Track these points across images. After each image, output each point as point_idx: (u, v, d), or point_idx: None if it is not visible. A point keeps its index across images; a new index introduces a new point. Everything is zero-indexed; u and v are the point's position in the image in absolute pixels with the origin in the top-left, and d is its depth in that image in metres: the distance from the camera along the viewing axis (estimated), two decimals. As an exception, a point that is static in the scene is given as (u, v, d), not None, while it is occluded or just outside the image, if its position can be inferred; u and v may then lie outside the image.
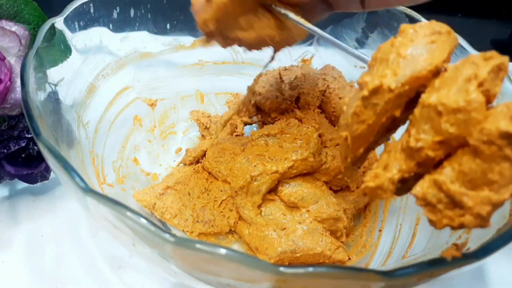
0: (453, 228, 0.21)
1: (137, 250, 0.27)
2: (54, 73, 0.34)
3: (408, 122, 0.23)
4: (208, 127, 0.46)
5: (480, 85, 0.20)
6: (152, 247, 0.25)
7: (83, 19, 0.39)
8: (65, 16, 0.36)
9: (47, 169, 0.39)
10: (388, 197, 0.22)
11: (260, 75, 0.38)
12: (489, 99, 0.20)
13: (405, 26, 0.23)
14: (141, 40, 0.45)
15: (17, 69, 0.35)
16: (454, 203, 0.20)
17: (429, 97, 0.20)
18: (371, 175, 0.23)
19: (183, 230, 0.38)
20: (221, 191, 0.39)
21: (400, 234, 0.36)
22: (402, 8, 0.42)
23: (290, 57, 0.49)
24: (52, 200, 0.41)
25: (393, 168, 0.22)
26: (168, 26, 0.46)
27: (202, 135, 0.46)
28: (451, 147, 0.20)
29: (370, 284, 0.23)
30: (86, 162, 0.35)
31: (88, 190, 0.24)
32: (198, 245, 0.21)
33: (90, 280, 0.35)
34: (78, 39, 0.38)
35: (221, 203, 0.39)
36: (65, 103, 0.35)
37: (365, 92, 0.22)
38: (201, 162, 0.42)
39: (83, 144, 0.36)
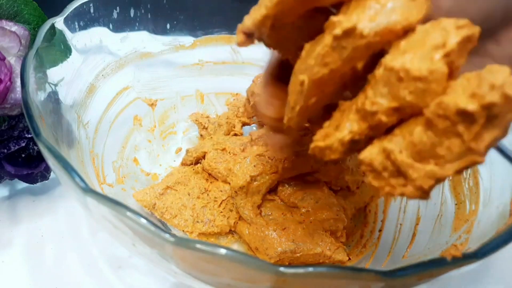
0: (394, 195, 0.21)
1: (137, 250, 0.27)
2: (54, 73, 0.34)
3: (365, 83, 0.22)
4: (206, 127, 0.46)
5: (447, 55, 0.19)
6: (152, 247, 0.25)
7: (83, 19, 0.39)
8: (65, 16, 0.36)
9: (47, 169, 0.39)
10: (336, 157, 0.22)
11: (258, 76, 0.38)
12: (452, 71, 0.20)
13: None
14: (141, 40, 0.45)
15: (17, 69, 0.35)
16: (399, 172, 0.20)
17: (392, 60, 0.20)
18: (322, 134, 0.22)
19: (183, 230, 0.38)
20: (221, 191, 0.39)
21: (400, 234, 0.36)
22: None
23: (290, 57, 0.49)
24: (52, 200, 0.41)
25: (345, 128, 0.21)
26: (168, 26, 0.46)
27: (201, 135, 0.47)
28: (406, 114, 0.20)
29: (370, 284, 0.23)
30: (86, 162, 0.35)
31: (88, 190, 0.24)
32: (198, 245, 0.21)
33: (90, 280, 0.35)
34: (78, 39, 0.38)
35: (221, 203, 0.39)
36: (65, 103, 0.35)
37: (338, 31, 0.21)
38: (201, 163, 0.42)
39: (83, 144, 0.36)
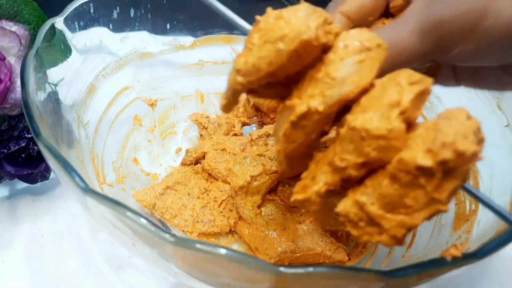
0: (372, 242, 0.22)
1: (137, 250, 0.27)
2: (54, 73, 0.34)
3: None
4: (206, 127, 0.46)
5: (402, 113, 0.20)
6: (152, 247, 0.25)
7: (83, 19, 0.39)
8: (65, 16, 0.36)
9: (47, 169, 0.39)
10: (316, 208, 0.24)
11: None
12: (410, 123, 0.21)
13: (337, 41, 0.22)
14: (141, 40, 0.45)
15: (17, 69, 0.35)
16: (373, 222, 0.21)
17: (354, 120, 0.21)
18: (300, 186, 0.24)
19: (183, 230, 0.38)
20: (221, 191, 0.39)
21: (400, 234, 0.36)
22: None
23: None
24: (52, 200, 0.41)
25: (320, 180, 0.23)
26: (168, 26, 0.46)
27: (201, 135, 0.47)
28: (374, 167, 0.21)
29: (370, 284, 0.23)
30: (86, 162, 0.35)
31: (88, 190, 0.24)
32: (198, 245, 0.21)
33: (90, 280, 0.35)
34: (78, 39, 0.38)
35: (221, 203, 0.39)
36: (65, 103, 0.35)
37: (293, 118, 0.22)
38: (200, 163, 0.42)
39: (83, 144, 0.36)
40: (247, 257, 0.21)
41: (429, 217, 0.21)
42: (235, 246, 0.38)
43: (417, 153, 0.20)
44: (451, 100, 0.40)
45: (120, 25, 0.42)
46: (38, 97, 0.30)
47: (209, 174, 0.41)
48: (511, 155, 0.32)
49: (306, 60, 0.22)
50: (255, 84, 0.23)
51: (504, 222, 0.23)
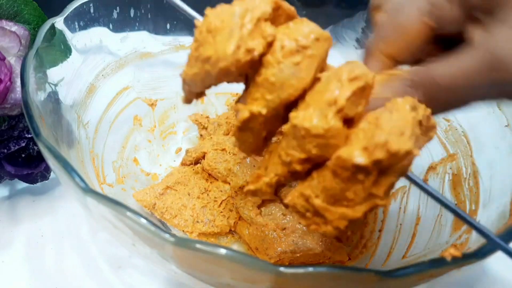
0: (319, 232, 0.23)
1: (137, 250, 0.27)
2: (54, 73, 0.34)
3: None
4: (206, 127, 0.46)
5: (339, 111, 0.21)
6: (152, 247, 0.25)
7: (83, 19, 0.39)
8: (65, 16, 0.36)
9: (47, 169, 0.39)
10: (268, 197, 0.24)
11: None
12: (351, 119, 0.22)
13: (275, 40, 0.22)
14: (141, 40, 0.45)
15: (17, 69, 0.35)
16: (318, 214, 0.22)
17: (295, 117, 0.21)
18: (254, 176, 0.24)
19: (183, 230, 0.38)
20: (221, 191, 0.39)
21: (400, 234, 0.36)
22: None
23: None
24: (52, 200, 0.41)
25: (271, 172, 0.23)
26: (168, 26, 0.46)
27: (201, 135, 0.47)
28: (318, 162, 0.22)
29: (370, 284, 0.23)
30: (86, 162, 0.35)
31: (88, 190, 0.24)
32: (198, 245, 0.21)
33: (90, 280, 0.35)
34: (78, 39, 0.38)
35: (221, 203, 0.39)
36: (65, 103, 0.35)
37: (237, 123, 0.23)
38: (200, 163, 0.42)
39: (83, 144, 0.36)
40: (247, 257, 0.21)
41: (369, 210, 0.21)
42: (235, 246, 0.38)
43: (353, 151, 0.20)
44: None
45: (120, 25, 0.42)
46: (38, 97, 0.30)
47: (209, 174, 0.41)
48: (511, 155, 0.32)
49: (241, 73, 0.22)
50: (201, 90, 0.24)
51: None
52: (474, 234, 0.30)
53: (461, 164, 0.36)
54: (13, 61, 0.35)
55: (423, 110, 0.21)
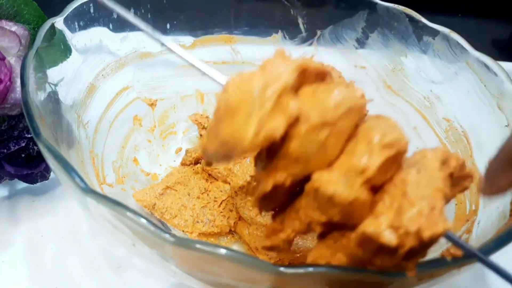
0: None
1: (137, 250, 0.27)
2: (54, 73, 0.34)
3: None
4: (206, 127, 0.46)
5: (367, 181, 0.20)
6: (152, 247, 0.25)
7: (83, 19, 0.38)
8: (65, 16, 0.36)
9: (47, 169, 0.39)
10: (284, 253, 0.24)
11: None
12: (379, 186, 0.20)
13: (292, 112, 0.20)
14: (141, 40, 0.45)
15: (17, 69, 0.35)
16: None
17: (318, 179, 0.20)
18: (269, 230, 0.24)
19: (183, 231, 0.38)
20: (221, 191, 0.39)
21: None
22: (402, 8, 0.42)
23: (290, 57, 0.49)
24: (52, 200, 0.41)
25: (288, 228, 0.22)
26: (168, 26, 0.46)
27: (201, 135, 0.46)
28: (338, 226, 0.21)
29: (370, 284, 0.23)
30: (86, 162, 0.35)
31: (88, 190, 0.24)
32: (198, 245, 0.21)
33: (90, 280, 0.35)
34: (78, 39, 0.38)
35: (221, 203, 0.39)
36: (65, 103, 0.35)
37: (259, 195, 0.22)
38: (200, 163, 0.42)
39: (83, 144, 0.36)
40: (247, 257, 0.21)
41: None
42: (235, 246, 0.38)
43: (381, 228, 0.19)
44: (451, 100, 0.40)
45: (120, 25, 0.42)
46: (38, 97, 0.30)
47: (209, 174, 0.41)
48: (511, 155, 0.32)
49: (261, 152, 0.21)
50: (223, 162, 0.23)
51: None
52: (474, 234, 0.30)
53: (461, 164, 0.36)
54: (13, 61, 0.35)
55: (455, 161, 0.20)
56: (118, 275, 0.36)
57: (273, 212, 0.25)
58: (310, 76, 0.22)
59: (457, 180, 0.21)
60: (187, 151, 0.43)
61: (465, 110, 0.38)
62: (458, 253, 0.22)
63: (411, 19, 0.42)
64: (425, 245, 0.19)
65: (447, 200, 0.21)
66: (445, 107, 0.40)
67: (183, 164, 0.43)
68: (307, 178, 0.21)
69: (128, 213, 0.22)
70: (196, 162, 0.42)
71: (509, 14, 0.77)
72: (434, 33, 0.40)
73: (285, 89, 0.20)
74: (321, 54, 0.47)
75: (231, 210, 0.38)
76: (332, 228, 0.21)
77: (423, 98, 0.42)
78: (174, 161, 0.45)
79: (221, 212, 0.38)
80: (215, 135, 0.21)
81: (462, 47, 0.38)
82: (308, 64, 0.21)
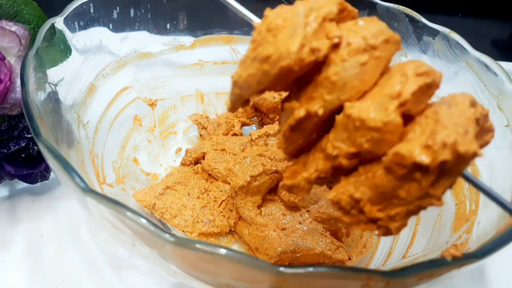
0: (363, 230, 0.21)
1: (137, 250, 0.27)
2: (54, 73, 0.34)
3: None
4: (206, 127, 0.46)
5: (402, 105, 0.19)
6: (152, 247, 0.25)
7: (83, 19, 0.39)
8: (65, 16, 0.36)
9: (47, 169, 0.39)
10: (304, 194, 0.23)
11: None
12: (410, 116, 0.20)
13: (335, 35, 0.20)
14: (141, 40, 0.45)
15: (17, 69, 0.35)
16: (364, 211, 0.21)
17: (351, 107, 0.20)
18: (290, 171, 0.23)
19: (183, 231, 0.38)
20: (221, 191, 0.39)
21: (400, 234, 0.36)
22: (402, 8, 0.42)
23: (290, 57, 0.49)
24: (52, 200, 0.41)
25: (311, 167, 0.22)
26: (168, 26, 0.46)
27: (201, 135, 0.47)
28: (367, 158, 0.20)
29: (370, 284, 0.23)
30: (86, 162, 0.35)
31: (88, 190, 0.24)
32: (198, 245, 0.21)
33: (90, 280, 0.35)
34: (78, 39, 0.38)
35: (221, 203, 0.39)
36: (65, 103, 0.35)
37: (291, 122, 0.22)
38: (200, 163, 0.42)
39: (83, 144, 0.36)
40: (247, 257, 0.21)
41: (419, 211, 0.20)
42: (235, 246, 0.38)
43: (414, 148, 0.19)
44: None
45: (120, 25, 0.42)
46: (38, 97, 0.30)
47: (209, 174, 0.41)
48: (511, 155, 0.32)
49: (300, 74, 0.21)
50: (253, 94, 0.22)
51: (508, 213, 0.22)
52: (474, 234, 0.30)
53: (461, 164, 0.36)
54: (13, 61, 0.35)
55: (481, 109, 0.20)
56: (118, 275, 0.36)
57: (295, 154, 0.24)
58: (349, 16, 0.22)
59: (481, 131, 0.21)
60: (187, 151, 0.43)
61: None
62: (458, 253, 0.22)
63: (411, 19, 0.42)
64: (458, 162, 0.18)
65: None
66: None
67: (183, 164, 0.43)
68: (339, 112, 0.21)
69: (128, 213, 0.22)
70: (196, 162, 0.42)
71: (509, 14, 0.77)
72: (434, 33, 0.40)
73: (328, 16, 0.20)
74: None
75: (231, 210, 0.38)
76: (359, 163, 0.21)
77: (423, 98, 0.42)
78: (174, 161, 0.45)
79: (221, 212, 0.38)
80: (253, 58, 0.21)
81: (462, 47, 0.38)
82: (347, 4, 0.22)
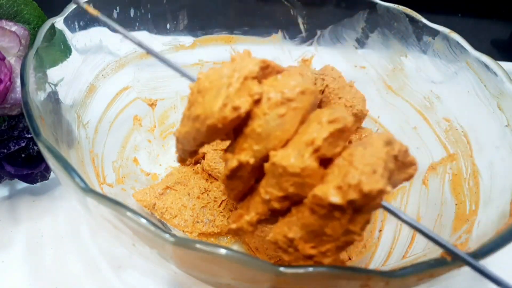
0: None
1: (137, 250, 0.27)
2: (54, 73, 0.34)
3: None
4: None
5: (316, 151, 0.21)
6: (152, 247, 0.25)
7: (83, 19, 0.38)
8: (65, 16, 0.36)
9: (47, 169, 0.39)
10: (249, 236, 0.25)
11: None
12: (329, 158, 0.22)
13: (264, 93, 0.22)
14: (141, 40, 0.45)
15: (17, 69, 0.35)
16: (298, 249, 0.23)
17: (274, 155, 0.22)
18: (235, 215, 0.25)
19: (183, 231, 0.38)
20: (221, 191, 0.39)
21: (400, 234, 0.36)
22: (402, 8, 0.42)
23: (290, 57, 0.49)
24: (52, 200, 0.41)
25: (252, 210, 0.24)
26: (168, 26, 0.46)
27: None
28: (296, 200, 0.22)
29: (370, 284, 0.23)
30: (86, 162, 0.35)
31: (88, 190, 0.24)
32: (198, 245, 0.21)
33: (90, 280, 0.35)
34: (78, 39, 0.38)
35: (221, 203, 0.39)
36: (65, 103, 0.35)
37: (227, 172, 0.24)
38: (200, 163, 0.42)
39: (83, 144, 0.36)
40: (247, 257, 0.21)
41: (346, 247, 0.22)
42: (235, 246, 0.38)
43: (329, 189, 0.21)
44: (451, 100, 0.40)
45: (120, 25, 0.42)
46: (38, 97, 0.30)
47: (209, 174, 0.41)
48: (511, 155, 0.32)
49: (228, 130, 0.23)
50: (194, 148, 0.24)
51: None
52: (474, 234, 0.30)
53: (461, 164, 0.36)
54: (13, 61, 0.35)
55: (399, 145, 0.22)
56: (118, 275, 0.36)
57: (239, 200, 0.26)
58: (273, 71, 0.24)
59: (402, 166, 0.23)
60: (187, 151, 0.43)
61: (465, 110, 0.38)
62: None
63: (411, 19, 0.42)
64: (366, 200, 0.20)
65: (393, 183, 0.23)
66: (445, 107, 0.40)
67: (182, 164, 0.43)
68: (267, 160, 0.23)
69: (128, 213, 0.22)
70: (196, 162, 0.42)
71: (509, 14, 0.77)
72: (434, 33, 0.40)
73: (250, 75, 0.22)
74: (321, 54, 0.47)
75: (231, 210, 0.38)
76: (291, 205, 0.23)
77: (423, 98, 0.42)
78: (174, 161, 0.45)
79: (221, 212, 0.38)
80: (187, 116, 0.23)
81: (462, 47, 0.38)
82: (270, 62, 0.24)
